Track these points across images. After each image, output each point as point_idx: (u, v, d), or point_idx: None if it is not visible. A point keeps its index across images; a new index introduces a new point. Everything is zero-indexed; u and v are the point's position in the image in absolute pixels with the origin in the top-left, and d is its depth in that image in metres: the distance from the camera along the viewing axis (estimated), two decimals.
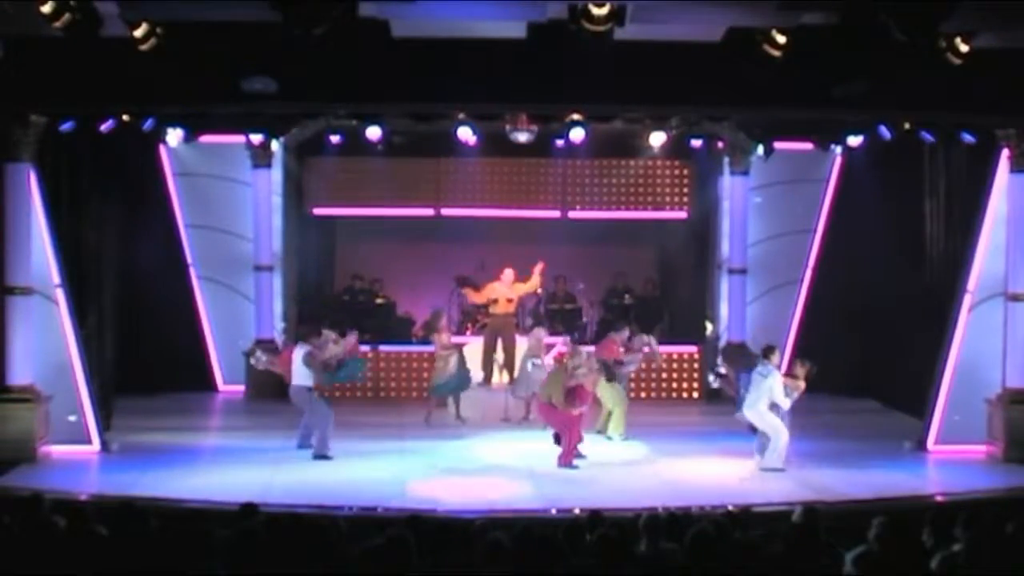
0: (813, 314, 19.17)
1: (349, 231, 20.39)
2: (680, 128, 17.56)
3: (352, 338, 15.26)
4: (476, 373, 17.26)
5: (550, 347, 16.41)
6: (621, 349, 15.83)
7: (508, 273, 17.75)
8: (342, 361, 14.95)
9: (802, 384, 13.81)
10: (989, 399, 14.45)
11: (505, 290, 17.63)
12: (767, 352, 13.97)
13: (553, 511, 11.66)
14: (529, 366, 15.85)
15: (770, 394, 13.60)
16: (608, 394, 15.48)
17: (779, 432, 13.59)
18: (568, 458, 13.87)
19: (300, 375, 14.43)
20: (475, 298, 18.10)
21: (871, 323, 18.01)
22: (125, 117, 14.69)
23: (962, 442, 14.55)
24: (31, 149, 13.77)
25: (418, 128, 17.18)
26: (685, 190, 19.92)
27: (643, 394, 18.13)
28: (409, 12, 11.92)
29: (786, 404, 13.65)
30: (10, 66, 12.60)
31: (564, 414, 13.95)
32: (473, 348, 17.56)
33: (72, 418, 14.27)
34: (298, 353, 14.48)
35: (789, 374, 13.92)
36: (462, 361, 16.54)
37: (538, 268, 17.71)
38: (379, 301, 19.32)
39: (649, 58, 12.88)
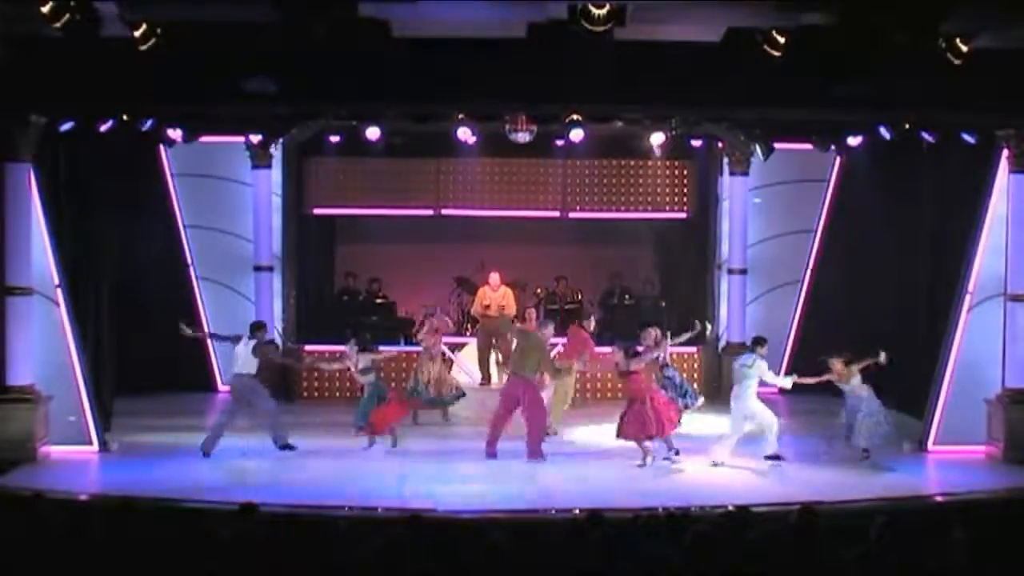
0: (813, 314, 19.16)
1: (349, 231, 20.39)
2: (680, 128, 17.54)
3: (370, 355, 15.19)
4: (474, 374, 17.25)
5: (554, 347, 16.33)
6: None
7: (495, 277, 17.68)
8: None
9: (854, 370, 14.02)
10: (989, 399, 14.45)
11: (495, 296, 17.54)
12: (756, 343, 14.01)
13: (553, 511, 11.65)
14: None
15: (760, 379, 13.77)
16: (559, 388, 15.46)
17: (770, 421, 13.62)
18: (536, 452, 13.84)
19: (247, 364, 14.40)
20: (474, 308, 17.91)
21: (871, 323, 17.98)
22: (125, 117, 14.69)
23: (962, 442, 14.54)
24: (31, 149, 13.76)
25: (418, 128, 17.16)
26: (685, 190, 19.91)
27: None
28: (409, 12, 11.93)
29: (787, 383, 13.99)
30: (10, 66, 12.59)
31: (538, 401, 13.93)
32: (469, 349, 17.57)
33: (72, 418, 14.25)
34: (246, 346, 14.40)
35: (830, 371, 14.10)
36: (445, 373, 16.36)
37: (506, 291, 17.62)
38: (379, 301, 19.31)
39: (649, 58, 12.89)
